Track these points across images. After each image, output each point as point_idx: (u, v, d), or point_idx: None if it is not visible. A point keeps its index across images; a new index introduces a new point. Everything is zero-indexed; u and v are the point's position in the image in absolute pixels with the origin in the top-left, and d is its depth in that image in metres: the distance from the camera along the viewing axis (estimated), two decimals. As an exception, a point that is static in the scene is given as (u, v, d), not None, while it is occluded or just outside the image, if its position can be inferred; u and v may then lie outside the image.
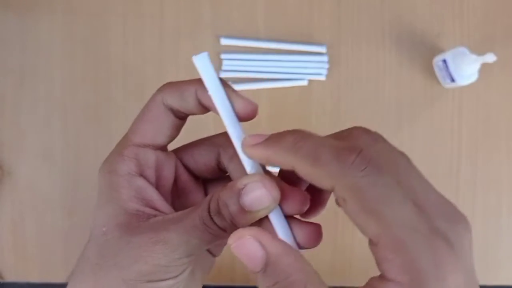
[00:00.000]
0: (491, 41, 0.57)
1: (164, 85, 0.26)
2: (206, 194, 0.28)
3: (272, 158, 0.22)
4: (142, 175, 0.25)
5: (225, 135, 0.25)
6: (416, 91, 0.57)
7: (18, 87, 0.57)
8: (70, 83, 0.57)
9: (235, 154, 0.24)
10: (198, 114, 0.25)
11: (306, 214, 0.26)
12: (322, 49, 0.56)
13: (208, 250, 0.28)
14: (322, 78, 0.56)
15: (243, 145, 0.23)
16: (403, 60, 0.57)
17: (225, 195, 0.22)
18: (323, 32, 0.57)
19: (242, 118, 0.24)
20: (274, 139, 0.23)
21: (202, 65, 0.24)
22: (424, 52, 0.57)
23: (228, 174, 0.27)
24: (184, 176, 0.27)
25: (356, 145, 0.21)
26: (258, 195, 0.22)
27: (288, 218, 0.23)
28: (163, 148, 0.26)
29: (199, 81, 0.24)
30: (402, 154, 0.23)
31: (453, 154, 0.57)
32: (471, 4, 0.57)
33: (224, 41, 0.56)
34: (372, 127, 0.56)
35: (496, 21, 0.57)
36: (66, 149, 0.57)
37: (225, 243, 0.23)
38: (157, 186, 0.26)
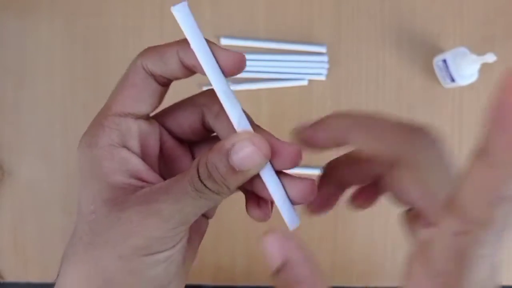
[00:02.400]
0: (491, 41, 0.57)
1: (145, 50, 0.24)
2: (193, 158, 0.27)
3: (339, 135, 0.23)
4: (125, 145, 0.23)
5: (207, 93, 0.25)
6: (416, 91, 0.57)
7: (18, 87, 0.57)
8: (70, 83, 0.57)
9: (221, 111, 0.23)
10: (182, 77, 0.24)
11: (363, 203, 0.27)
12: (322, 49, 0.56)
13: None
14: (322, 78, 0.56)
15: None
16: (403, 60, 0.57)
17: (214, 157, 0.21)
18: (323, 32, 0.57)
19: (228, 71, 0.22)
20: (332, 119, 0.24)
21: (182, 15, 0.22)
22: (424, 52, 0.57)
23: (214, 134, 0.26)
24: (170, 142, 0.26)
25: (420, 126, 0.23)
26: (248, 153, 0.21)
27: (281, 174, 0.23)
28: (146, 117, 0.25)
29: (180, 42, 0.23)
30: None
31: (453, 154, 0.57)
32: (471, 4, 0.57)
33: (224, 41, 0.56)
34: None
35: (496, 21, 0.57)
36: (66, 149, 0.57)
37: (218, 204, 0.24)
38: (142, 156, 0.24)
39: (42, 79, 0.57)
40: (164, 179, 0.24)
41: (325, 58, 0.56)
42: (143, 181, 0.23)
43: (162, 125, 0.26)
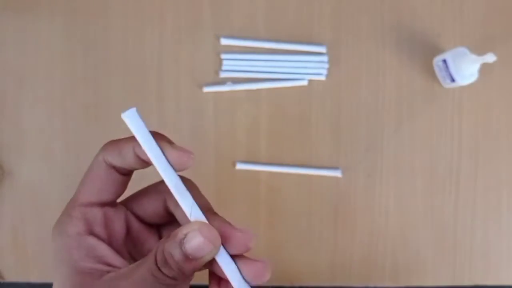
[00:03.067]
0: (491, 41, 0.56)
1: (105, 144, 0.26)
2: (160, 238, 0.29)
3: None
4: (92, 233, 0.26)
5: None
6: (416, 91, 0.57)
7: (18, 87, 0.57)
8: (70, 83, 0.57)
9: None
10: (140, 168, 0.26)
11: None
12: (322, 49, 0.56)
13: None
14: (322, 78, 0.56)
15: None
16: (403, 60, 0.57)
17: (169, 245, 0.23)
18: (323, 32, 0.57)
19: (177, 168, 0.24)
20: None
21: (132, 121, 0.24)
22: (424, 52, 0.57)
23: None
24: (136, 226, 0.28)
25: None
26: (198, 243, 0.23)
27: (236, 256, 0.24)
28: (111, 204, 0.27)
29: (135, 139, 0.25)
30: None
31: (453, 154, 0.57)
32: (471, 4, 0.57)
33: (224, 41, 0.56)
34: (372, 127, 0.56)
35: (496, 21, 0.57)
36: (66, 149, 0.57)
37: (187, 281, 0.25)
38: (110, 241, 0.26)
39: (42, 79, 0.57)
40: (135, 260, 0.27)
41: (325, 58, 0.56)
42: (110, 265, 0.25)
43: (129, 210, 0.28)
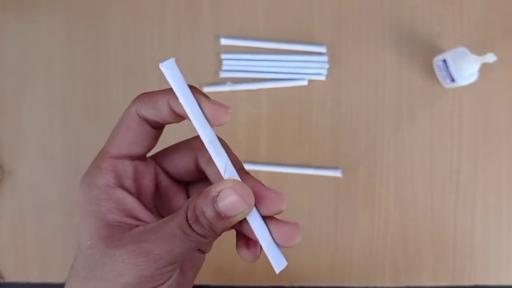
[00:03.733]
0: (491, 41, 0.56)
1: (138, 96, 0.26)
2: (188, 196, 0.28)
3: None
4: (121, 186, 0.25)
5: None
6: (416, 91, 0.57)
7: (18, 87, 0.57)
8: (70, 83, 0.57)
9: (211, 158, 0.25)
10: (173, 122, 0.25)
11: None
12: (322, 49, 0.56)
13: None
14: (322, 78, 0.56)
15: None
16: (403, 60, 0.57)
17: (201, 202, 0.22)
18: (323, 32, 0.57)
19: (213, 122, 0.24)
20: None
21: (170, 72, 0.24)
22: (424, 52, 0.57)
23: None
24: (165, 182, 0.28)
25: None
26: (232, 201, 0.22)
27: (267, 218, 0.24)
28: (141, 158, 0.26)
29: (171, 90, 0.24)
30: None
31: (453, 154, 0.57)
32: (471, 4, 0.57)
33: (224, 41, 0.56)
34: (372, 127, 0.56)
35: (496, 21, 0.57)
36: (66, 149, 0.57)
37: (214, 240, 0.25)
38: (138, 196, 0.26)
39: (42, 79, 0.57)
40: (162, 216, 0.26)
41: (325, 58, 0.56)
42: (138, 219, 0.25)
43: (159, 165, 0.27)
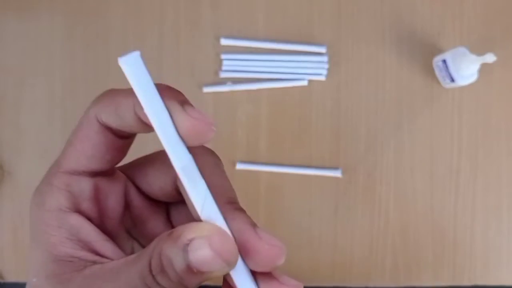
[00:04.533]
0: (491, 41, 0.56)
1: (99, 96, 0.20)
2: (169, 219, 0.23)
3: None
4: (77, 210, 0.20)
5: None
6: (416, 91, 0.57)
7: (18, 87, 0.57)
8: (70, 83, 0.57)
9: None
10: (142, 132, 0.20)
11: None
12: (322, 49, 0.56)
13: None
14: (322, 78, 0.56)
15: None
16: (403, 60, 0.57)
17: (169, 249, 0.17)
18: (323, 32, 0.57)
19: (189, 142, 0.18)
20: None
21: (132, 70, 0.18)
22: (424, 52, 0.57)
23: None
24: (138, 201, 0.22)
25: None
26: (205, 256, 0.17)
27: (257, 273, 0.19)
28: (106, 173, 0.21)
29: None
30: None
31: (453, 154, 0.57)
32: (471, 4, 0.57)
33: (224, 41, 0.56)
34: (372, 127, 0.56)
35: (496, 21, 0.57)
36: (66, 149, 0.57)
37: None
38: (101, 221, 0.21)
39: (42, 79, 0.57)
40: (136, 240, 0.22)
41: (325, 59, 0.56)
42: (97, 253, 0.20)
43: (131, 179, 0.22)
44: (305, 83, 0.56)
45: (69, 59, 0.57)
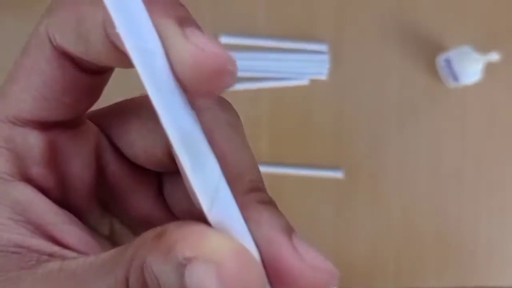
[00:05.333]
0: (495, 39, 0.56)
1: (54, 3, 0.14)
2: (161, 190, 0.16)
3: None
4: (24, 177, 0.14)
5: None
6: (419, 90, 0.56)
7: (15, 86, 0.57)
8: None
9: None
10: (117, 66, 0.14)
11: None
12: (323, 48, 0.56)
13: None
14: (323, 77, 0.56)
15: None
16: (406, 59, 0.56)
17: (156, 264, 0.11)
18: (325, 31, 0.56)
19: (190, 88, 0.11)
20: None
21: None
22: (427, 51, 0.56)
23: None
24: (116, 165, 0.16)
25: None
26: (209, 286, 0.11)
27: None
28: (67, 124, 0.15)
29: None
30: None
31: (457, 154, 0.56)
32: (476, 2, 0.56)
33: (224, 40, 0.56)
34: (375, 127, 0.55)
35: (501, 19, 0.56)
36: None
37: None
38: (62, 194, 0.15)
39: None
40: (118, 218, 0.16)
41: (326, 58, 0.56)
42: (54, 240, 0.13)
43: (106, 134, 0.16)
44: (306, 82, 0.56)
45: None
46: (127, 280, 0.12)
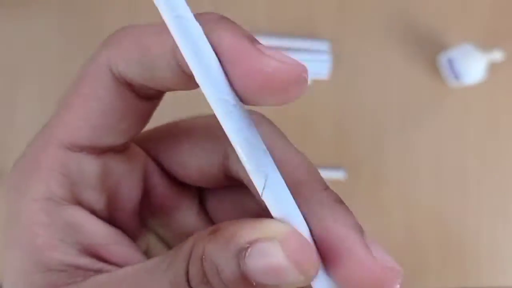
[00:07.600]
0: (498, 38, 0.56)
1: (113, 36, 0.14)
2: (202, 208, 0.17)
3: None
4: (77, 201, 0.14)
5: None
6: (421, 90, 0.56)
7: (12, 86, 0.56)
8: (66, 82, 0.56)
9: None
10: (181, 89, 0.14)
11: None
12: (325, 47, 0.55)
13: None
14: (325, 76, 0.56)
15: None
16: (407, 58, 0.56)
17: (216, 253, 0.12)
18: (326, 30, 0.56)
19: (249, 96, 0.12)
20: None
21: (167, 1, 0.12)
22: (429, 50, 0.56)
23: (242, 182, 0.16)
24: (163, 187, 0.16)
25: None
26: (275, 265, 0.12)
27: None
28: (118, 149, 0.15)
29: None
30: None
31: (460, 154, 0.56)
32: (479, 0, 0.56)
33: (224, 39, 0.55)
34: (377, 127, 0.54)
35: (504, 17, 0.56)
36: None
37: None
38: (110, 215, 0.15)
39: (37, 78, 0.56)
40: (155, 233, 0.16)
41: (327, 56, 0.55)
42: (101, 259, 0.14)
43: (153, 158, 0.16)
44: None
45: (65, 58, 0.56)
46: (187, 273, 0.12)
